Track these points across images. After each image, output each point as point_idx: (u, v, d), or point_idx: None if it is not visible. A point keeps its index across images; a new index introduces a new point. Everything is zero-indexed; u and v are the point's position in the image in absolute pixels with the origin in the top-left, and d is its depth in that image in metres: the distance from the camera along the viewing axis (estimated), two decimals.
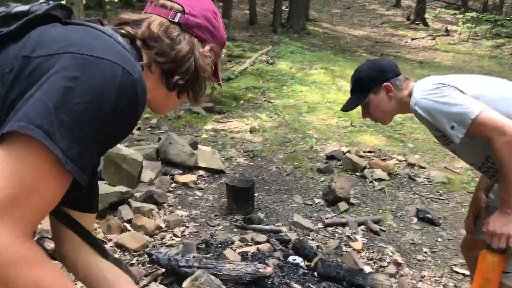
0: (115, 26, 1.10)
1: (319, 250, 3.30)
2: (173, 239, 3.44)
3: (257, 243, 3.28)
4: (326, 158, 5.20)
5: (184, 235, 3.53)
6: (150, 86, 1.12)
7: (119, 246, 3.28)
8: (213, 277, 2.36)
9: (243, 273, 2.51)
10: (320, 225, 3.83)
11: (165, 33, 1.10)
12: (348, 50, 13.23)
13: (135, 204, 3.67)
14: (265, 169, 4.90)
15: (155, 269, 2.59)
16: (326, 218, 3.93)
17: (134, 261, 3.11)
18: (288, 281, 2.68)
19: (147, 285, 2.40)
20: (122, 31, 1.09)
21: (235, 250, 2.83)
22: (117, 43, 0.97)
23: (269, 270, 2.52)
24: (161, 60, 1.10)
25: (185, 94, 1.19)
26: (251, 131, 5.94)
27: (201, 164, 4.65)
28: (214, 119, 6.44)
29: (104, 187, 3.68)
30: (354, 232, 3.73)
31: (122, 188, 3.72)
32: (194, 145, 4.84)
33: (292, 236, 3.55)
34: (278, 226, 3.75)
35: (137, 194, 3.90)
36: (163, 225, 3.57)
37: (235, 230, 3.67)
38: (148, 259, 2.73)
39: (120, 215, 3.57)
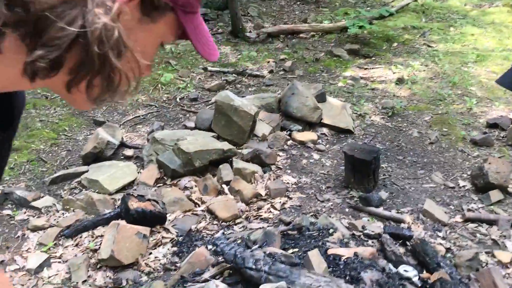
0: None
1: (447, 258, 2.55)
2: (270, 212, 3.00)
3: (367, 236, 2.67)
4: (487, 126, 4.13)
5: (285, 208, 3.05)
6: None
7: (210, 211, 2.96)
8: None
9: None
10: (458, 218, 3.02)
11: None
12: None
13: (237, 164, 3.28)
14: (403, 133, 4.08)
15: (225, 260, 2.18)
16: (468, 210, 3.08)
17: (219, 234, 2.75)
18: None
19: (208, 280, 2.00)
20: None
21: (327, 250, 2.24)
22: None
23: None
24: (11, 20, 0.56)
25: (81, 88, 0.64)
26: (397, 82, 5.04)
27: (325, 121, 4.03)
28: (357, 64, 5.62)
29: (205, 142, 3.34)
30: (504, 236, 2.85)
31: (225, 145, 3.35)
32: (322, 97, 4.21)
33: (417, 230, 2.83)
34: (402, 212, 3.04)
35: (245, 151, 3.50)
36: (263, 193, 3.12)
37: (347, 210, 3.07)
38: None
39: (220, 174, 3.22)
